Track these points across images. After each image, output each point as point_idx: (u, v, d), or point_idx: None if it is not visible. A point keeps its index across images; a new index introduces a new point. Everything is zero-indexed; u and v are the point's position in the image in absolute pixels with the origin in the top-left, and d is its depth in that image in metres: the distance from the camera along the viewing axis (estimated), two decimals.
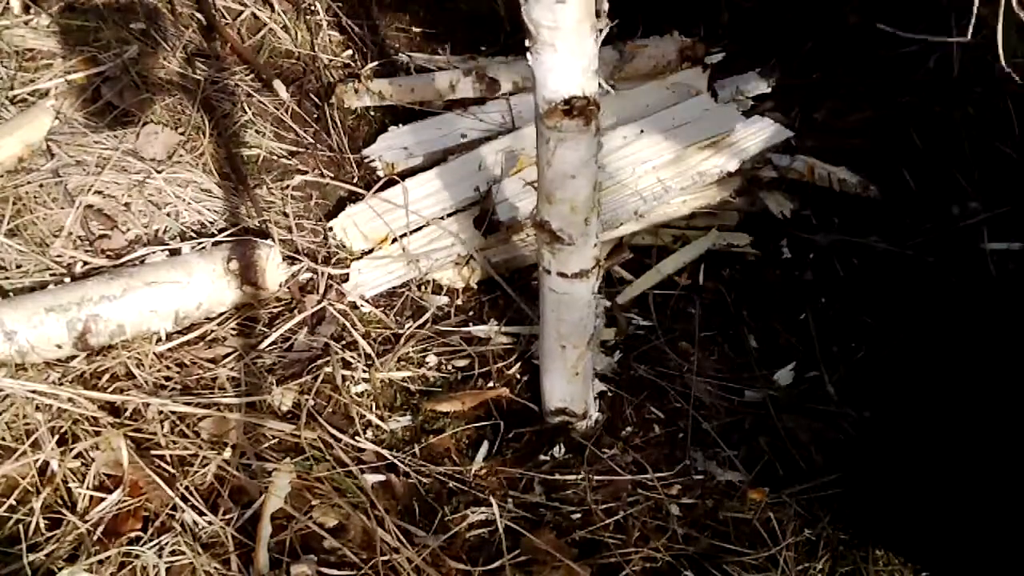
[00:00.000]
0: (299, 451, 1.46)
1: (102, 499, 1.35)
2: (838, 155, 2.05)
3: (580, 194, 1.18)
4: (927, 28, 0.77)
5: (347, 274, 1.79)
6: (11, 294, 1.59)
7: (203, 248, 1.73)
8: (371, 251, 1.85)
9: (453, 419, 1.56)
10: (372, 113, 2.17)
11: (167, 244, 1.75)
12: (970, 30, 1.00)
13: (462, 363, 1.67)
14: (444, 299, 1.80)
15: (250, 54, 2.17)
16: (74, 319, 1.51)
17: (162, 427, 1.46)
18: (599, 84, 1.08)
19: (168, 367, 1.57)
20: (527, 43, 1.02)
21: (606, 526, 1.41)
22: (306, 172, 2.01)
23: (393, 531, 1.35)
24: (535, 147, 1.15)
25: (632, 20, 2.24)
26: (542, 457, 1.51)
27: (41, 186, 1.77)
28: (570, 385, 1.48)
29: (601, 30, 1.02)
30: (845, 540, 1.42)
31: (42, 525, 1.31)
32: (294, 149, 2.05)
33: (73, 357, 1.54)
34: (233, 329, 1.67)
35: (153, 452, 1.42)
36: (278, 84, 2.10)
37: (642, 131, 2.01)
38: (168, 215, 1.81)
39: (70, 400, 1.45)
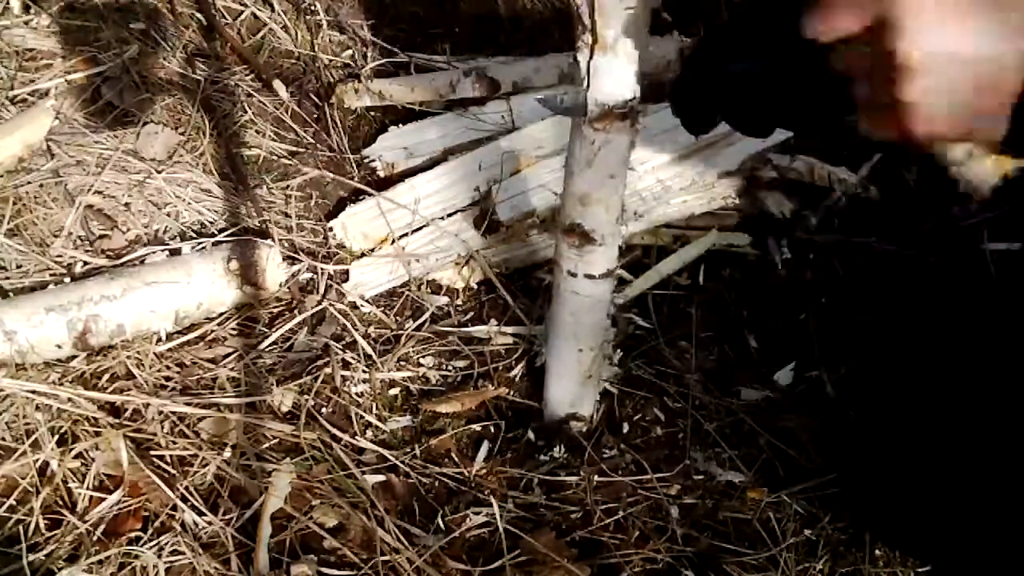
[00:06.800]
0: (299, 451, 1.46)
1: (102, 499, 1.35)
2: (838, 155, 2.05)
3: (616, 193, 1.21)
4: None
5: (347, 274, 1.80)
6: (11, 294, 1.59)
7: (203, 248, 1.73)
8: (371, 251, 1.85)
9: (453, 419, 1.56)
10: (372, 113, 2.17)
11: (167, 244, 1.75)
12: None
13: (462, 363, 1.67)
14: (444, 299, 1.80)
15: (250, 54, 2.17)
16: (74, 319, 1.51)
17: (162, 427, 1.46)
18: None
19: (168, 367, 1.57)
20: (578, 46, 1.04)
21: (606, 526, 1.41)
22: (306, 172, 2.01)
23: (393, 531, 1.35)
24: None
25: None
26: (542, 457, 1.51)
27: (41, 186, 1.77)
28: (582, 388, 1.48)
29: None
30: (845, 540, 1.42)
31: (42, 525, 1.31)
32: (294, 149, 2.05)
33: (73, 357, 1.54)
34: (233, 329, 1.67)
35: (153, 452, 1.43)
36: (278, 84, 2.10)
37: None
38: (168, 215, 1.81)
39: (70, 400, 1.45)
